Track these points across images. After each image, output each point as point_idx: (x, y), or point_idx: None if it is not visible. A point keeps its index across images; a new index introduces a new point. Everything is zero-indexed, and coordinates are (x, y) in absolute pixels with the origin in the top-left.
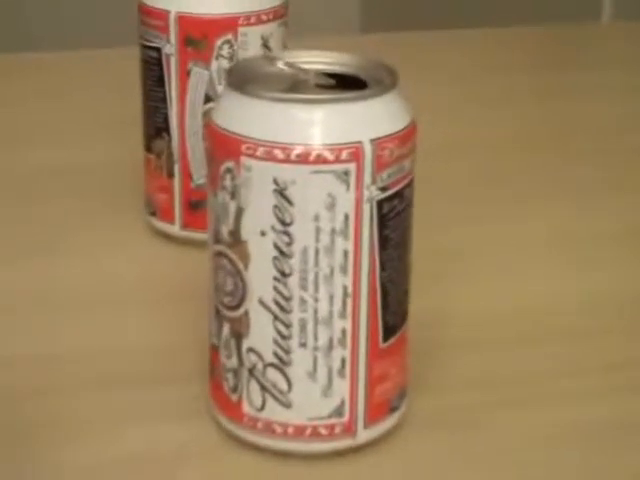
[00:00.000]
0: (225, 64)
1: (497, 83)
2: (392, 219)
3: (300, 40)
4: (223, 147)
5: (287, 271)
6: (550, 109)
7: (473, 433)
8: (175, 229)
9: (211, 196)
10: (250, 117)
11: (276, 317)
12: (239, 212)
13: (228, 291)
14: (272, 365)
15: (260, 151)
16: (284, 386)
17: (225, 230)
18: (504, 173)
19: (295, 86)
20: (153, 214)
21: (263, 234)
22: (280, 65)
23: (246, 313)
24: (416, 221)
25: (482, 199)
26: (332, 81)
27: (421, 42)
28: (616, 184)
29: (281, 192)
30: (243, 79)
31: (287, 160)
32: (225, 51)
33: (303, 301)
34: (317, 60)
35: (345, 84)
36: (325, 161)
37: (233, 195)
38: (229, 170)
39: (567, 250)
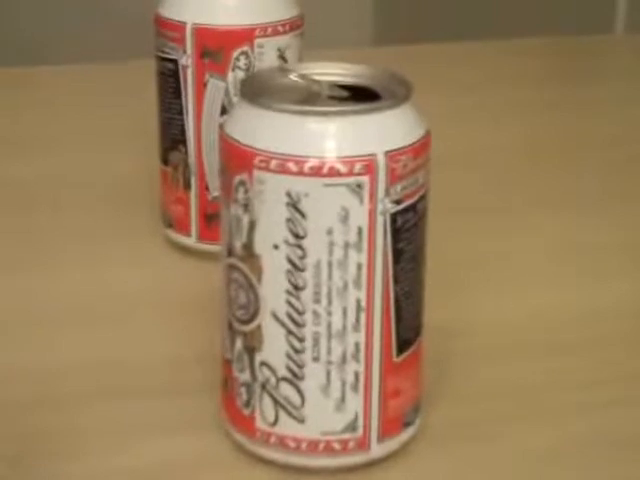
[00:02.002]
0: (242, 75)
1: (508, 95)
2: (406, 232)
3: (313, 52)
4: (236, 159)
5: (300, 284)
6: (560, 121)
7: (488, 446)
8: (191, 241)
9: (224, 209)
10: (263, 129)
11: (289, 331)
12: (252, 225)
13: (241, 304)
14: (285, 379)
15: (273, 164)
16: (297, 401)
17: (238, 243)
18: (514, 184)
19: (308, 98)
20: (169, 226)
21: (276, 247)
22: (293, 77)
23: (259, 327)
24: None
25: (491, 209)
26: (345, 93)
27: (433, 54)
28: (624, 195)
29: (294, 205)
30: (256, 91)
31: (300, 173)
32: (242, 62)
33: (316, 315)
34: (330, 72)
35: (358, 96)
36: (338, 174)
37: (246, 208)
38: (242, 183)
39: (581, 260)
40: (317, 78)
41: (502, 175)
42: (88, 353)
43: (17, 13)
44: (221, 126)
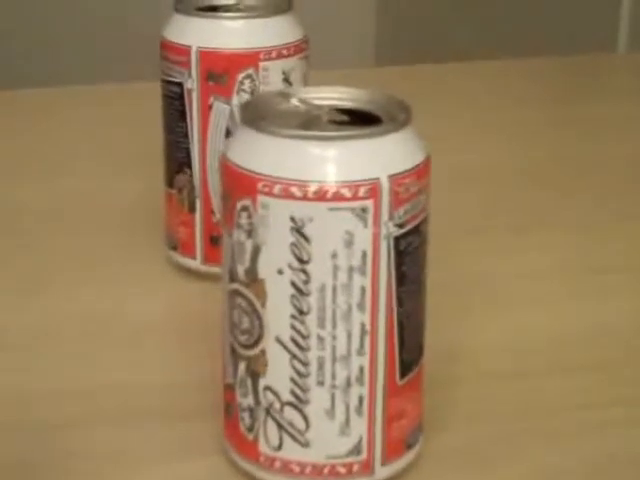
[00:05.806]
0: (247, 98)
1: (511, 115)
2: (409, 255)
3: (315, 73)
4: (239, 185)
5: (305, 309)
6: (563, 141)
7: (492, 469)
8: (196, 264)
9: (226, 234)
10: (266, 154)
11: (294, 355)
12: (256, 250)
13: (244, 329)
14: (289, 404)
15: (277, 189)
16: (302, 425)
17: (241, 268)
18: (515, 204)
19: (308, 123)
20: (174, 249)
21: (280, 272)
22: (293, 101)
23: (263, 352)
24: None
25: (493, 230)
26: (345, 117)
27: (434, 74)
28: (628, 215)
29: (298, 230)
30: (257, 116)
31: (304, 198)
32: (246, 86)
33: (321, 339)
34: (330, 96)
35: (358, 120)
36: (343, 198)
37: (249, 233)
38: (245, 208)
39: (583, 281)
40: (317, 102)
41: (503, 196)
42: (90, 377)
43: (19, 34)
44: (223, 151)
